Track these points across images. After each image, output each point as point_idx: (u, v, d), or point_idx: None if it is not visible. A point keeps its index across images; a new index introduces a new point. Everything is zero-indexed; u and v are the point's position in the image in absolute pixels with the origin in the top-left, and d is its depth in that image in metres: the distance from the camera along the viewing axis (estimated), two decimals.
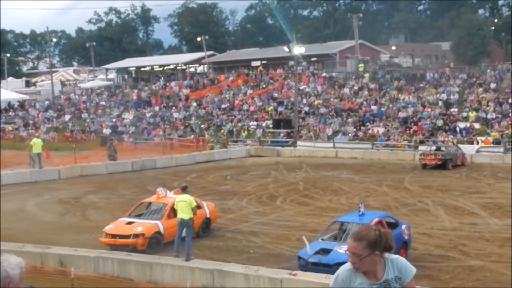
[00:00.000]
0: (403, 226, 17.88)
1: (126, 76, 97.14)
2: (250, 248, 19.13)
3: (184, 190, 18.71)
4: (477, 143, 44.50)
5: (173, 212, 19.30)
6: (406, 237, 17.58)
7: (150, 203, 21.09)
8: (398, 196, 28.02)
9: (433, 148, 39.34)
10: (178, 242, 17.78)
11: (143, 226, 19.24)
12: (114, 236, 19.01)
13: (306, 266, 15.81)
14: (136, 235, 18.84)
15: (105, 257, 17.33)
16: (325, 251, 16.02)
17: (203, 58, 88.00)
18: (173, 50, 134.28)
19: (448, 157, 37.42)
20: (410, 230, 18.23)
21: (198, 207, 19.82)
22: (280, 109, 59.21)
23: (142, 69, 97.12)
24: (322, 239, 17.06)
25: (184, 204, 17.89)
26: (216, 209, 22.68)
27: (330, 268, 14.46)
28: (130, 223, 19.52)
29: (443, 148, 39.29)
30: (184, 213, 17.81)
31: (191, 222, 17.90)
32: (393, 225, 17.45)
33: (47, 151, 39.79)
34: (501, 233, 20.40)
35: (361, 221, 16.31)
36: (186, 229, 17.81)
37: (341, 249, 14.48)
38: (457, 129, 47.84)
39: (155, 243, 19.26)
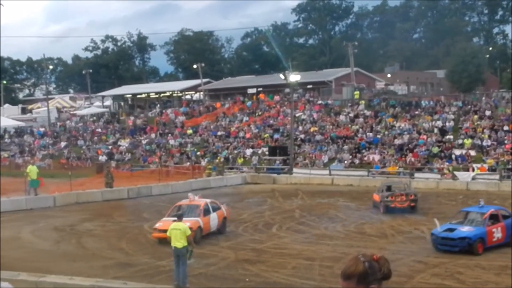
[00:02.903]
0: None
1: (122, 103, 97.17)
2: (246, 276, 19.06)
3: (179, 218, 18.71)
4: (473, 170, 44.54)
5: (206, 210, 25.43)
6: None
7: (182, 206, 25.49)
8: (394, 223, 27.98)
9: (384, 188, 33.05)
10: (177, 271, 17.74)
11: (189, 222, 22.49)
12: (164, 231, 20.96)
13: (437, 240, 21.86)
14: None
15: (100, 285, 17.22)
16: (451, 230, 22.00)
17: (199, 85, 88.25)
18: (169, 77, 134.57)
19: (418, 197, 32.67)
20: None
21: (217, 207, 26.49)
22: (276, 136, 59.25)
23: (138, 96, 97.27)
24: (450, 223, 22.95)
25: (178, 232, 17.87)
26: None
27: (453, 241, 21.36)
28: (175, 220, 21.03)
29: (402, 188, 33.40)
30: (178, 242, 17.79)
31: (185, 251, 17.87)
32: (506, 217, 22.91)
33: (41, 178, 39.53)
34: (497, 261, 20.37)
35: (481, 210, 23.06)
36: (180, 257, 17.76)
37: (463, 228, 21.91)
38: (453, 156, 47.90)
39: (197, 236, 23.20)
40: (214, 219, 26.00)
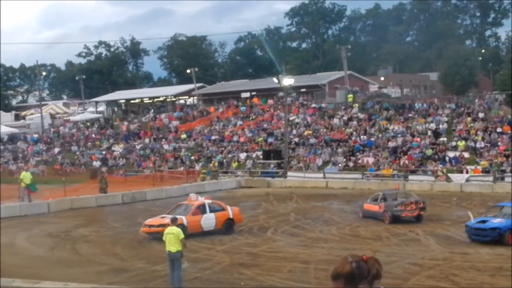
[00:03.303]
0: None
1: (116, 109, 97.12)
2: (241, 280, 19.03)
3: (173, 222, 18.70)
4: (467, 172, 44.65)
5: (199, 210, 26.77)
6: None
7: (181, 205, 27.76)
8: (389, 226, 28.00)
9: (381, 197, 30.51)
10: (172, 276, 17.72)
11: (155, 219, 26.30)
12: (150, 226, 25.69)
13: (470, 231, 23.59)
14: (163, 225, 24.00)
15: None
16: (484, 221, 23.75)
17: (193, 90, 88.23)
18: (162, 82, 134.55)
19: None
20: None
21: (219, 208, 27.46)
22: (270, 140, 59.28)
23: (132, 101, 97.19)
24: (485, 216, 24.91)
25: (172, 237, 17.85)
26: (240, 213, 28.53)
27: (485, 232, 23.08)
28: (163, 217, 25.64)
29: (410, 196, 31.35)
30: (172, 246, 17.77)
31: (179, 255, 17.84)
32: None
33: (28, 189, 38.69)
34: (492, 262, 20.40)
35: None
36: (174, 262, 17.74)
37: (495, 220, 23.53)
38: (447, 158, 48.00)
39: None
40: (209, 219, 26.82)
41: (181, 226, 24.08)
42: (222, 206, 27.98)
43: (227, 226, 27.22)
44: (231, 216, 27.46)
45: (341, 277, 3.90)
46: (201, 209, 27.05)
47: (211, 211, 27.18)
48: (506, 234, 22.96)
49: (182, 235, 17.91)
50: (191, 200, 27.54)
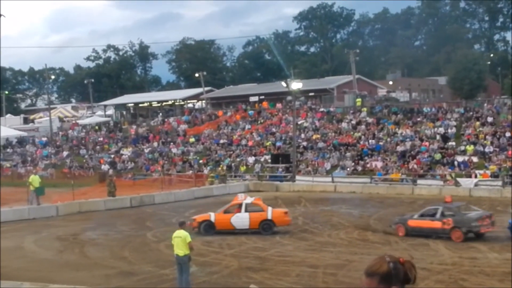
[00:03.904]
0: None
1: (124, 112, 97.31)
2: (249, 284, 18.99)
3: (181, 225, 18.69)
4: (475, 176, 44.50)
5: (239, 209, 28.11)
6: None
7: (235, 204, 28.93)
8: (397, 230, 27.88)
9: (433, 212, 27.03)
10: (180, 279, 17.71)
11: (200, 215, 29.05)
12: (193, 220, 28.43)
13: (510, 227, 24.79)
14: (193, 219, 28.08)
15: None
16: None
17: (201, 93, 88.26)
18: (171, 86, 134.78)
19: None
20: None
21: (257, 209, 28.04)
22: (278, 144, 59.25)
23: (140, 105, 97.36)
24: None
25: (179, 240, 17.83)
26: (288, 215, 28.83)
27: None
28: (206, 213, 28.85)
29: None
30: (179, 249, 17.75)
31: (186, 259, 17.80)
32: None
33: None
34: (501, 267, 20.31)
35: None
36: (182, 265, 17.73)
37: None
38: (455, 162, 47.84)
39: (206, 227, 27.84)
40: (241, 218, 27.83)
41: (208, 223, 27.63)
42: (261, 207, 28.31)
43: (265, 227, 27.65)
44: (269, 217, 27.73)
45: (376, 275, 3.89)
46: (237, 208, 28.30)
47: (247, 211, 27.90)
48: None
49: (189, 239, 17.89)
50: (237, 199, 28.76)
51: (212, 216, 28.14)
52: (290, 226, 28.83)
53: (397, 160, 50.18)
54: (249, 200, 28.79)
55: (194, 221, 28.35)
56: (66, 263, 23.11)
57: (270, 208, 28.18)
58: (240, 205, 28.30)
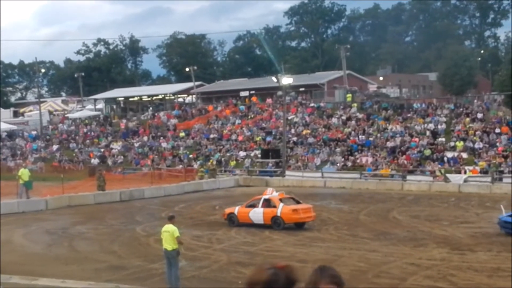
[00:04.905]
0: None
1: (114, 106, 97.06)
2: (239, 279, 19.00)
3: (170, 220, 18.63)
4: (465, 172, 44.68)
5: (265, 203, 28.33)
6: None
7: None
8: (387, 225, 28.01)
9: None
10: (169, 274, 17.68)
11: (230, 208, 30.04)
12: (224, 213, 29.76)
13: (500, 223, 25.14)
14: (224, 212, 29.73)
15: None
16: None
17: (192, 88, 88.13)
18: (161, 80, 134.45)
19: None
20: None
21: (270, 205, 28.11)
22: (268, 139, 59.29)
23: (130, 99, 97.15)
24: None
25: (168, 235, 17.78)
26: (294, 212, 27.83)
27: (509, 224, 24.38)
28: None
29: None
30: (167, 244, 17.70)
31: (175, 254, 17.75)
32: None
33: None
34: (489, 263, 20.40)
35: None
36: (171, 260, 17.70)
37: None
38: (445, 158, 48.02)
39: (230, 220, 28.95)
40: (257, 213, 28.42)
41: (233, 215, 28.86)
42: (275, 203, 28.35)
43: (276, 223, 27.77)
44: (278, 214, 27.77)
45: (258, 285, 3.85)
46: (257, 202, 28.85)
47: (263, 206, 28.37)
48: None
49: (177, 233, 17.82)
50: (266, 193, 29.18)
51: (236, 209, 28.99)
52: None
53: (387, 156, 50.32)
54: (269, 195, 28.97)
55: (224, 213, 29.64)
56: (56, 257, 23.05)
57: (281, 205, 28.07)
58: (259, 200, 28.78)
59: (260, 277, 3.85)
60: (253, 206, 28.89)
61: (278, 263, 3.97)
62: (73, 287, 17.32)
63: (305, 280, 4.01)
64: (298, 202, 28.87)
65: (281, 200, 28.45)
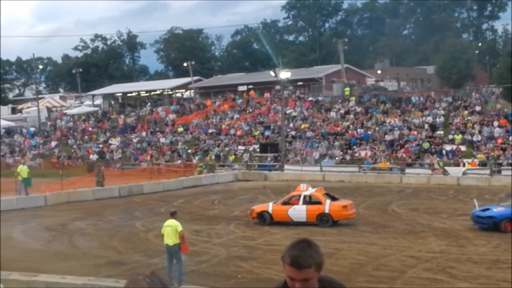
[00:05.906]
0: None
1: (112, 102, 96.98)
2: (238, 273, 19.05)
3: (172, 215, 18.65)
4: (464, 165, 44.72)
5: (297, 200, 27.30)
6: None
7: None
8: (386, 219, 28.04)
9: None
10: (169, 269, 17.72)
11: (259, 205, 28.96)
12: (252, 210, 28.05)
13: (473, 217, 25.06)
14: (252, 210, 27.94)
15: (92, 284, 17.18)
16: (486, 210, 24.92)
17: (190, 83, 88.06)
18: (159, 75, 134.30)
19: None
20: None
21: (315, 201, 27.23)
22: (267, 133, 59.30)
23: (128, 94, 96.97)
24: (497, 204, 25.89)
25: (170, 229, 17.79)
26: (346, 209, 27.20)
27: (483, 219, 24.43)
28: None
29: None
30: (169, 239, 17.71)
31: (176, 249, 17.76)
32: None
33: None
34: (488, 255, 20.44)
35: None
36: (173, 255, 17.72)
37: (496, 209, 24.64)
38: (444, 151, 48.07)
39: (262, 217, 27.43)
40: (298, 211, 27.13)
41: (266, 213, 27.45)
42: (320, 200, 27.26)
43: (323, 221, 26.76)
44: (326, 211, 26.74)
45: None
46: (295, 199, 27.60)
47: (305, 203, 27.27)
48: (502, 223, 24.07)
49: (180, 228, 17.84)
50: (299, 189, 27.94)
51: (270, 207, 27.60)
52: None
53: (385, 149, 50.34)
54: (308, 191, 27.74)
55: (253, 211, 27.92)
56: (55, 253, 23.06)
57: (328, 201, 27.11)
58: (299, 196, 27.60)
59: (141, 286, 3.79)
60: (288, 203, 27.62)
61: (144, 271, 3.93)
62: (73, 283, 17.32)
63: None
64: (334, 198, 28.01)
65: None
